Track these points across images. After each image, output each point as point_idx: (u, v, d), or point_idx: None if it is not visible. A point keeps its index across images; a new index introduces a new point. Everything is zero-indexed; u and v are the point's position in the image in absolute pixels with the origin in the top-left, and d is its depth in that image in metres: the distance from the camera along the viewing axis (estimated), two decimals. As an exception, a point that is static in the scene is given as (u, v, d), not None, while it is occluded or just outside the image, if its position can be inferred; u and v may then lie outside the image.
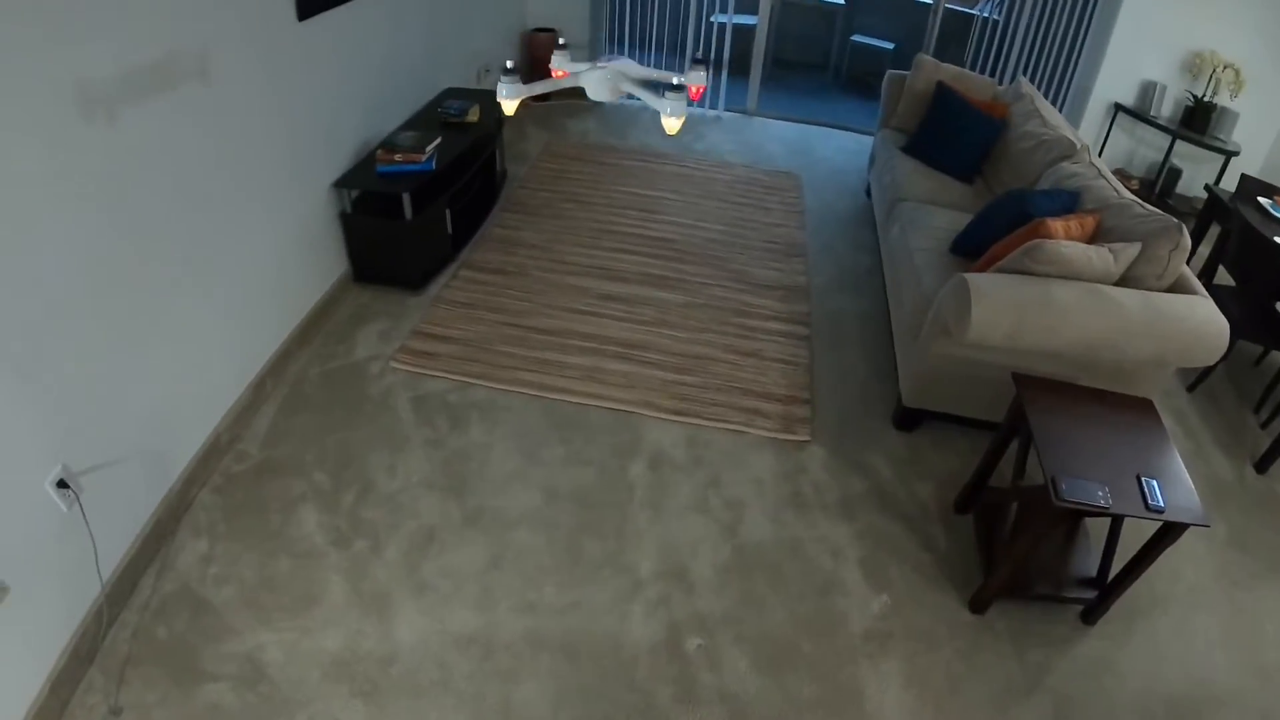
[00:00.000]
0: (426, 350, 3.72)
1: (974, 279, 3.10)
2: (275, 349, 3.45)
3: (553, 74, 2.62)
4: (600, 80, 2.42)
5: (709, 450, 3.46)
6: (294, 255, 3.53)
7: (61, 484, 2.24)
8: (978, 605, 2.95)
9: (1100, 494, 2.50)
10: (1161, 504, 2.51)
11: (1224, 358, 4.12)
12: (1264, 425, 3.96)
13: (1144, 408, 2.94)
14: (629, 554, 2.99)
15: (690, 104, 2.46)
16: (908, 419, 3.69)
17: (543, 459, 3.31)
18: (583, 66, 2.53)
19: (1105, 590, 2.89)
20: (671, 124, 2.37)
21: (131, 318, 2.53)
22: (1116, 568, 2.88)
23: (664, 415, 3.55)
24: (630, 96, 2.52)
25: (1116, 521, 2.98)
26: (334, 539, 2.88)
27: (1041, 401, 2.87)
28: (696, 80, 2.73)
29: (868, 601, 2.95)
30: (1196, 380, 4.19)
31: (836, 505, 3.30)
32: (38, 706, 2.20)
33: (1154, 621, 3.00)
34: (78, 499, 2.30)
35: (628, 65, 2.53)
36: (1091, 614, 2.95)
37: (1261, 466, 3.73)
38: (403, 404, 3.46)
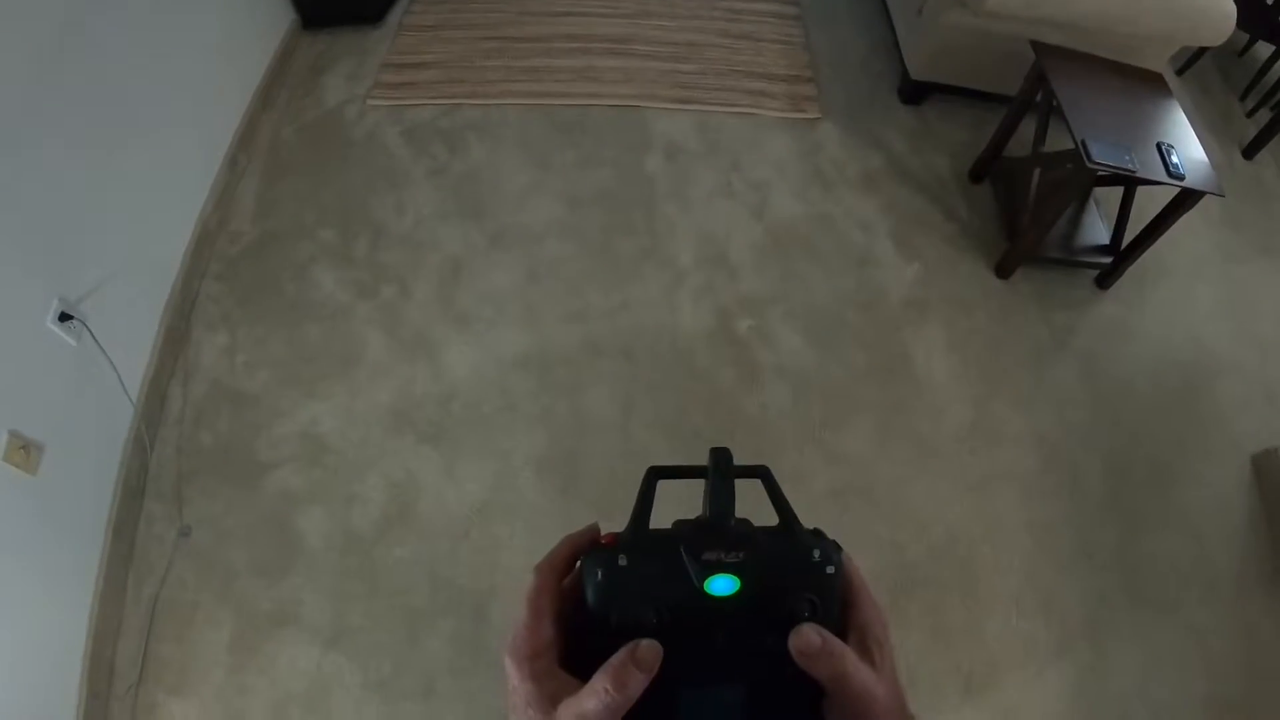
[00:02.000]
0: (403, 80, 3.33)
1: None
2: (239, 119, 3.02)
3: None
4: None
5: (722, 134, 3.20)
6: (234, 14, 3.03)
7: (64, 317, 2.00)
8: (1003, 270, 2.91)
9: (1128, 158, 2.47)
10: (1182, 170, 2.50)
11: None
12: (1249, 114, 3.81)
13: (1156, 81, 2.85)
14: (664, 247, 2.83)
15: None
16: (915, 92, 3.44)
17: (554, 166, 3.04)
18: None
19: (1120, 255, 2.88)
20: None
21: (85, 124, 2.13)
22: (1128, 237, 2.87)
23: (669, 105, 3.26)
24: None
25: (1129, 191, 2.89)
26: (358, 292, 2.67)
27: (1063, 70, 2.72)
28: None
29: (902, 271, 2.87)
30: (1186, 64, 3.93)
31: (858, 180, 3.13)
32: (106, 554, 2.10)
33: (1160, 290, 3.00)
34: (85, 326, 2.06)
35: None
36: (1106, 279, 2.95)
37: (1249, 153, 3.66)
38: (392, 140, 3.13)
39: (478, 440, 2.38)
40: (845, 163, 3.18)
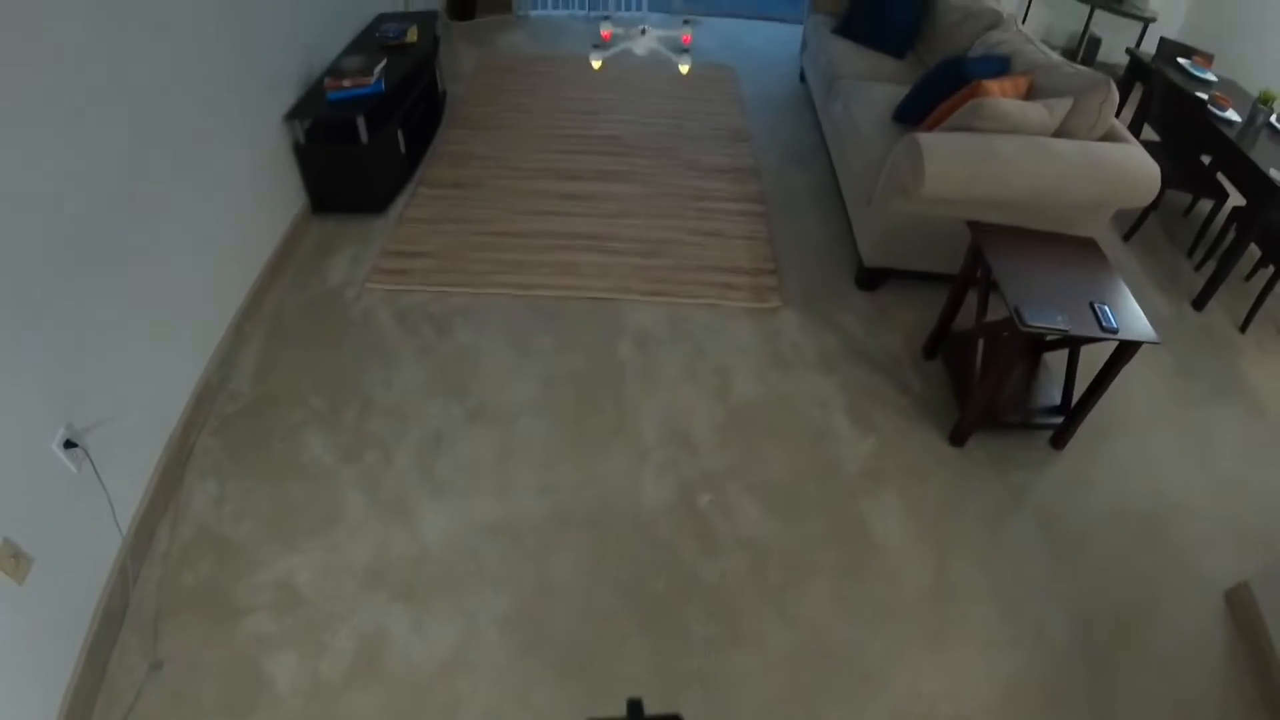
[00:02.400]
0: (399, 268, 3.62)
1: (924, 138, 3.18)
2: (247, 290, 3.29)
3: (602, 35, 3.71)
4: (644, 45, 3.61)
5: (689, 325, 3.46)
6: (252, 195, 3.36)
7: (69, 444, 2.13)
8: (957, 438, 3.05)
9: (1060, 318, 2.64)
10: (1115, 325, 2.66)
11: (1155, 207, 4.37)
12: (1198, 268, 4.11)
13: (1089, 246, 3.07)
14: (631, 426, 3.00)
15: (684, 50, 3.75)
16: (870, 279, 3.75)
17: (533, 351, 3.27)
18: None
19: (1070, 414, 3.03)
20: (684, 69, 3.73)
21: (107, 281, 2.35)
22: (1078, 395, 3.01)
23: (641, 298, 3.54)
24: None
25: (1074, 352, 3.10)
26: (342, 456, 2.82)
27: (997, 244, 2.96)
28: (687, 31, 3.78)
29: (858, 444, 3.03)
30: (1131, 229, 4.32)
31: (815, 361, 3.35)
32: (77, 676, 2.12)
33: (1115, 443, 3.15)
34: (88, 455, 2.19)
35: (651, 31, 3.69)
36: (1060, 438, 3.09)
37: (1198, 304, 3.90)
38: (386, 320, 3.38)
39: (447, 600, 2.45)
40: (803, 346, 3.41)
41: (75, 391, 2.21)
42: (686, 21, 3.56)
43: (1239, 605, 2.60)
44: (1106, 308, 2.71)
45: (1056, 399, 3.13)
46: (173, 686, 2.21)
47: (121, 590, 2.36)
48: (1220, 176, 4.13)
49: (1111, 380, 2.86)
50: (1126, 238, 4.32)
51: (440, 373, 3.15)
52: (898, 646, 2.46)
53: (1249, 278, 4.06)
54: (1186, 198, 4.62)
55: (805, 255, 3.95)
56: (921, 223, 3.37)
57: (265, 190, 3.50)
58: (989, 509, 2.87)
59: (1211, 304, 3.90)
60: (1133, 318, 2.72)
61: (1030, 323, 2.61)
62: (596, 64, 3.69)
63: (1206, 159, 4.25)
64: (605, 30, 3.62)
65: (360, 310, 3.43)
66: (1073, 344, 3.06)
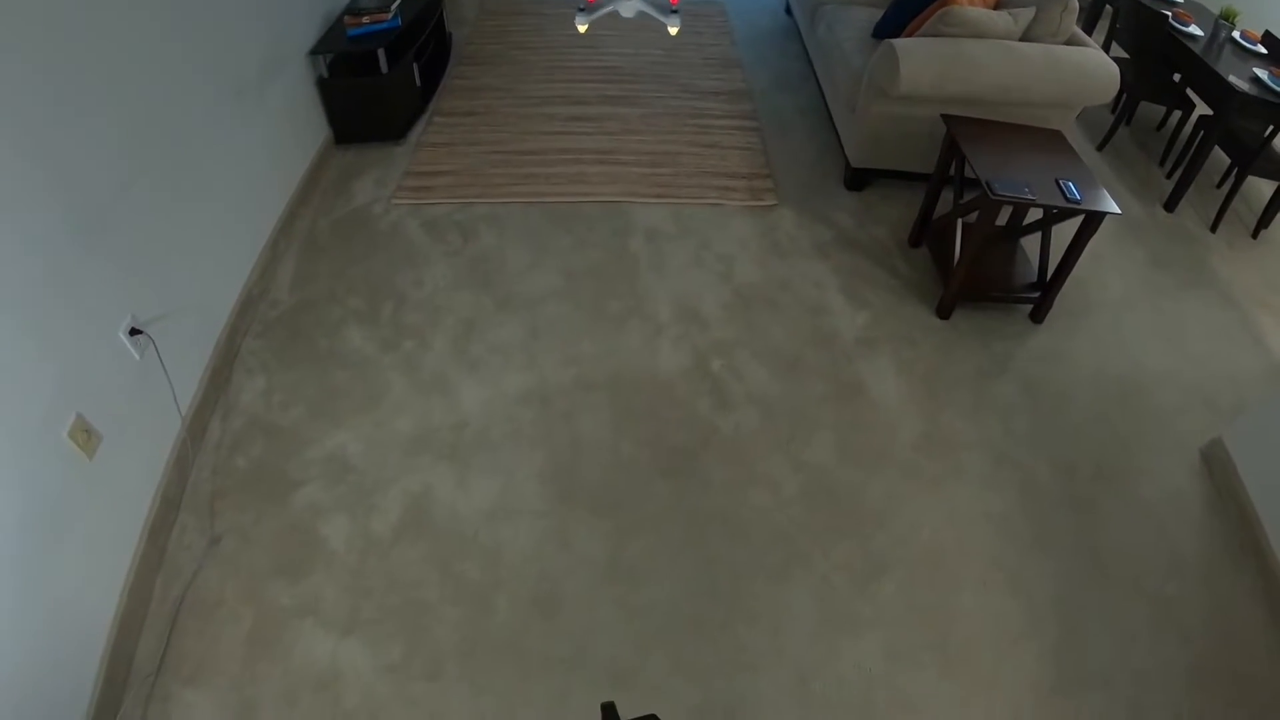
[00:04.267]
0: (423, 185, 3.62)
1: (898, 42, 3.23)
2: (279, 213, 3.28)
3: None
4: (629, 8, 3.41)
5: (693, 222, 3.48)
6: (284, 126, 3.35)
7: (134, 332, 2.16)
8: (943, 310, 3.10)
9: (1026, 189, 2.71)
10: (1079, 196, 2.72)
11: (1128, 121, 4.34)
12: (1169, 175, 4.08)
13: (1055, 136, 3.12)
14: (647, 307, 3.03)
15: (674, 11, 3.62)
16: (857, 179, 3.76)
17: (552, 249, 3.29)
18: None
19: (1045, 288, 3.06)
20: (673, 30, 3.58)
21: (161, 194, 2.39)
22: (1053, 273, 3.06)
23: (648, 200, 3.55)
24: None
25: (1046, 234, 3.12)
26: (382, 346, 2.85)
27: (970, 134, 3.02)
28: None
29: (853, 317, 3.07)
30: (1104, 139, 4.29)
31: (811, 249, 3.38)
32: (139, 555, 2.14)
33: (1092, 321, 3.18)
34: (152, 341, 2.22)
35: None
36: (1038, 311, 3.13)
37: (1169, 206, 3.89)
38: (414, 230, 3.39)
39: (487, 459, 2.50)
40: (799, 238, 3.43)
41: (137, 288, 2.23)
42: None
43: (1214, 460, 2.65)
44: (1071, 183, 2.76)
45: (1033, 277, 3.17)
46: (231, 558, 2.25)
47: (180, 475, 2.39)
48: (1190, 93, 4.12)
49: (1080, 252, 2.90)
50: (1100, 147, 4.29)
51: (468, 270, 3.17)
52: (897, 488, 2.52)
53: (1220, 185, 4.05)
54: (1159, 114, 4.60)
55: (797, 163, 3.95)
56: (901, 123, 3.41)
57: (294, 122, 3.49)
58: (975, 372, 2.91)
59: (1183, 207, 3.90)
60: (1096, 192, 2.76)
61: (999, 193, 2.68)
62: (582, 28, 3.61)
63: (1176, 77, 4.23)
64: None
65: (388, 223, 3.44)
66: (1044, 225, 3.10)
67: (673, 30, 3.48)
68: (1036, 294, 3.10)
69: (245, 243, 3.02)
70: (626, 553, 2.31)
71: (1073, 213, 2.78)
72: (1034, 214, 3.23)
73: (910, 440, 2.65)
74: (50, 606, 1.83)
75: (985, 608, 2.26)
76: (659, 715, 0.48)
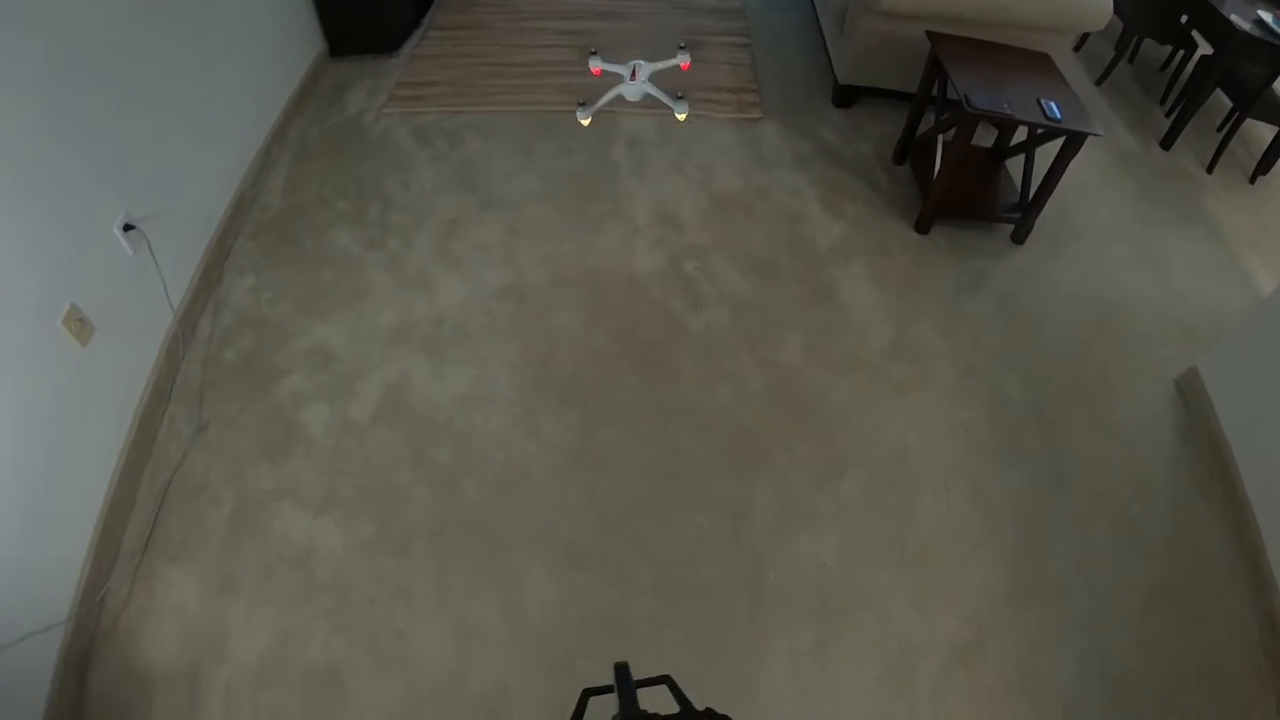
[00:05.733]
0: (414, 95, 3.45)
1: None
2: (273, 121, 3.12)
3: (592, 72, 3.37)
4: (634, 91, 3.14)
5: (677, 132, 3.31)
6: (279, 37, 3.20)
7: (127, 227, 2.07)
8: (922, 225, 2.94)
9: (1005, 105, 2.52)
10: (1059, 115, 2.53)
11: (1131, 59, 4.04)
12: (1169, 114, 3.76)
13: (1043, 59, 2.90)
14: (624, 210, 2.90)
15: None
16: (845, 97, 3.56)
17: (536, 154, 3.14)
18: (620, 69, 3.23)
19: (1027, 208, 2.88)
20: (680, 116, 3.28)
21: (158, 95, 2.29)
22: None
23: (636, 112, 3.37)
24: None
25: (1029, 156, 2.93)
26: (368, 245, 2.74)
27: (953, 50, 2.83)
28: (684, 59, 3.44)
29: (829, 226, 2.93)
30: (1103, 74, 3.99)
31: (792, 161, 3.21)
32: (129, 442, 2.09)
33: (1076, 246, 3.00)
34: (145, 238, 2.13)
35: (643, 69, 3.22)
36: (1019, 232, 2.95)
37: (1166, 144, 3.63)
38: (403, 136, 3.24)
39: (463, 350, 2.41)
40: (781, 150, 3.26)
41: (131, 183, 2.14)
42: (682, 47, 3.14)
43: (1188, 389, 2.50)
44: (1053, 103, 2.58)
45: (1016, 199, 3.00)
46: (217, 444, 2.19)
47: (171, 367, 2.32)
48: (1195, 35, 3.84)
49: (1061, 174, 2.71)
50: (1099, 82, 4.02)
51: (454, 174, 3.03)
52: (864, 390, 2.42)
53: (1221, 128, 3.70)
54: (1164, 55, 4.27)
55: (786, 80, 3.75)
56: (890, 41, 3.18)
57: (288, 34, 3.31)
58: (950, 286, 2.78)
59: (1181, 147, 3.63)
60: (1078, 112, 2.57)
61: (977, 106, 2.50)
62: (585, 121, 3.29)
63: (1184, 18, 3.95)
64: (595, 67, 3.21)
65: (379, 131, 3.29)
66: (1028, 147, 2.92)
67: (680, 116, 3.16)
68: (1018, 215, 2.93)
69: (239, 149, 2.88)
70: (593, 441, 2.23)
71: (1055, 133, 2.61)
72: (1019, 137, 3.05)
73: (879, 346, 2.55)
74: (43, 487, 1.80)
75: (945, 513, 2.17)
76: (671, 675, 0.43)
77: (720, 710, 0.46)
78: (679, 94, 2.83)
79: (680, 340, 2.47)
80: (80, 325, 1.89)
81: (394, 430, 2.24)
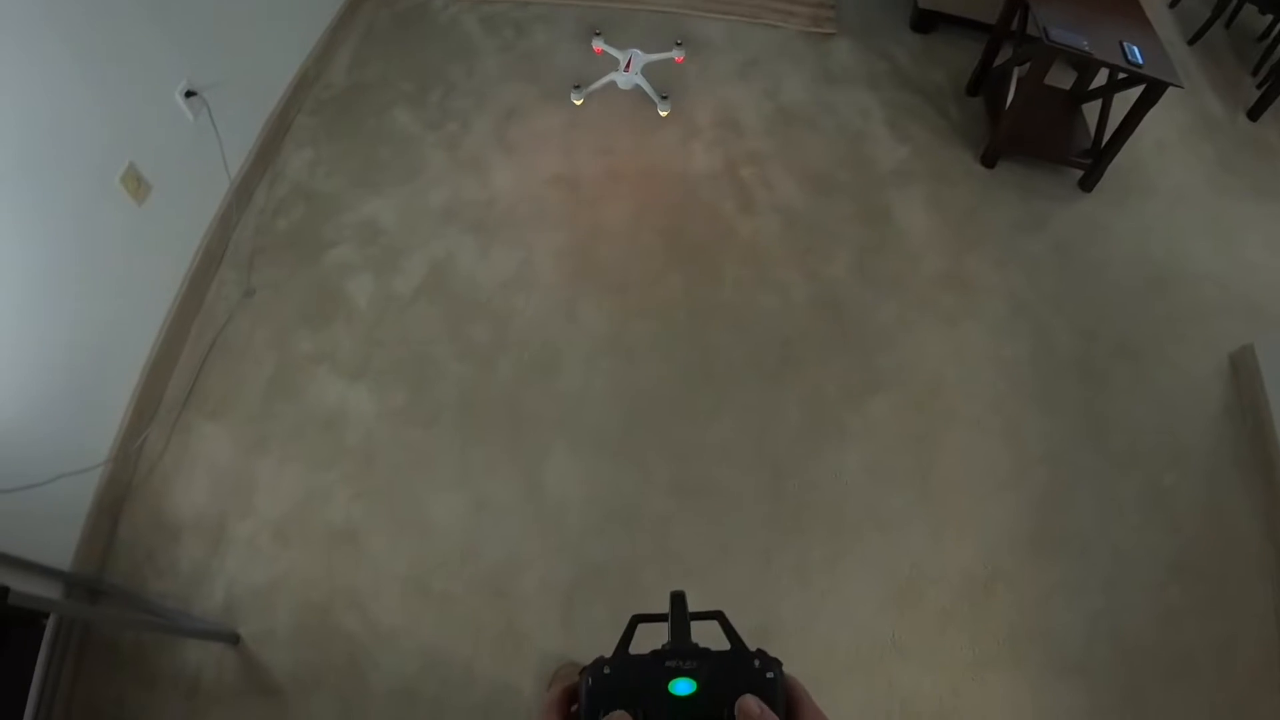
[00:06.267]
0: (485, -17, 3.34)
1: None
2: (343, 2, 3.04)
3: (595, 50, 2.95)
4: (625, 81, 2.78)
5: (747, 39, 3.12)
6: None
7: (189, 94, 2.03)
8: (988, 159, 2.76)
9: (1085, 42, 2.34)
10: (1140, 60, 2.34)
11: (1228, 23, 3.65)
12: (1260, 85, 3.39)
13: (1132, 3, 2.63)
14: (686, 111, 2.77)
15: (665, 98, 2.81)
16: (924, 21, 3.31)
17: (602, 50, 3.02)
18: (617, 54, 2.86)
19: (1099, 155, 2.68)
20: (663, 114, 2.77)
21: None
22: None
23: (704, 14, 3.18)
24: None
25: (1106, 102, 2.71)
26: (427, 125, 2.67)
27: None
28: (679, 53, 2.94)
29: (893, 149, 2.76)
30: (1197, 34, 3.60)
31: (863, 80, 3.02)
32: (179, 300, 2.10)
33: (1145, 202, 2.77)
34: (206, 105, 2.09)
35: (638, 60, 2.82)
36: (1088, 179, 2.76)
37: (1253, 115, 3.29)
38: (471, 24, 3.13)
39: (510, 234, 2.36)
40: (852, 68, 3.07)
41: (196, 53, 2.09)
42: (679, 43, 2.90)
43: (1243, 366, 2.33)
44: (1135, 48, 2.37)
45: (1088, 144, 2.78)
46: (262, 309, 2.20)
47: (224, 233, 2.31)
48: None
49: (1137, 122, 2.51)
50: (1192, 41, 3.67)
51: (517, 64, 2.92)
52: (909, 315, 2.32)
53: None
54: (1262, 25, 3.87)
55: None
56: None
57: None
58: (1010, 223, 2.61)
59: (1269, 120, 3.28)
60: (1161, 61, 2.36)
61: (1055, 40, 2.32)
62: (578, 101, 2.89)
63: None
64: (597, 46, 2.95)
65: (448, 17, 3.18)
66: (1107, 91, 2.68)
67: (663, 113, 2.77)
68: (1089, 160, 2.73)
69: (307, 26, 2.82)
70: (629, 331, 2.18)
71: (1135, 79, 2.40)
72: (1100, 82, 2.82)
73: (930, 274, 2.42)
74: (94, 336, 1.83)
75: (975, 448, 2.08)
76: (724, 611, 0.43)
77: (727, 611, 0.49)
78: (663, 94, 2.68)
79: (728, 243, 2.38)
80: (137, 184, 1.89)
81: (435, 305, 2.21)
